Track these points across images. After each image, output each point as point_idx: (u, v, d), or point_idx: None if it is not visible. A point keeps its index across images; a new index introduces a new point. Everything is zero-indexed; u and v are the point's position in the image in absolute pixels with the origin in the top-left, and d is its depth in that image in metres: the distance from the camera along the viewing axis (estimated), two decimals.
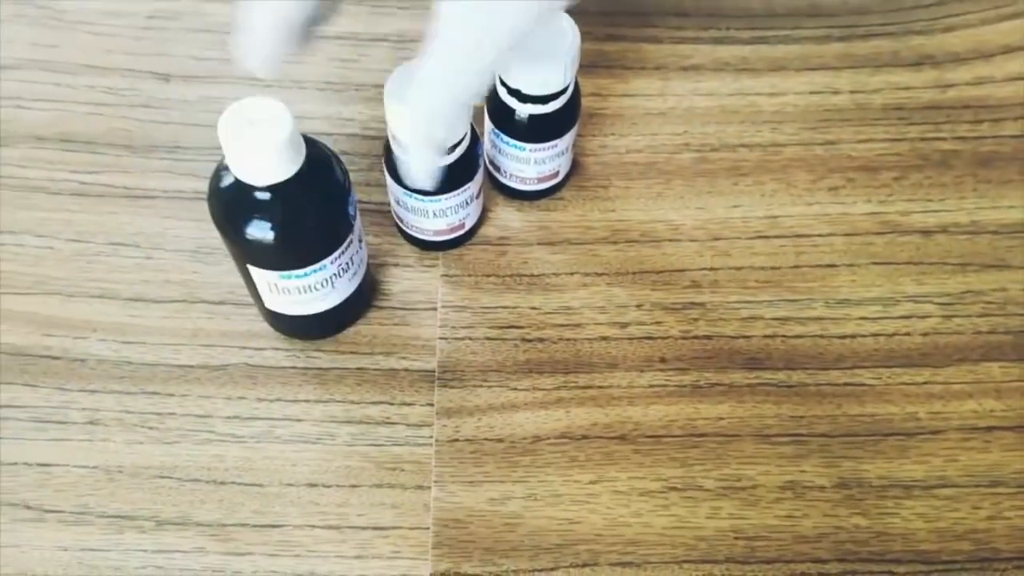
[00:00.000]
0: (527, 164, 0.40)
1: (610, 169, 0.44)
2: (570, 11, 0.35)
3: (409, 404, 0.38)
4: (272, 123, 0.30)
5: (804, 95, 0.46)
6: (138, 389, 0.38)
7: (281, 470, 0.36)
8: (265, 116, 0.30)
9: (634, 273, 0.41)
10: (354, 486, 0.36)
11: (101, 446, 0.37)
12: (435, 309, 0.40)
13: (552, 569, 0.35)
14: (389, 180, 0.38)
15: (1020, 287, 0.41)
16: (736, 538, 0.35)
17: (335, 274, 0.35)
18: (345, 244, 0.35)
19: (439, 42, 0.29)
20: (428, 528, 0.35)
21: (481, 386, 0.38)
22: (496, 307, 0.40)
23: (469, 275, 0.41)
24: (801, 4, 0.50)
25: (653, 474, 0.36)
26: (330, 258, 0.34)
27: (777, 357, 0.39)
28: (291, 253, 0.33)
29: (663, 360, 0.39)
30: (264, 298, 0.36)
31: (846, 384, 0.38)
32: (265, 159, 0.30)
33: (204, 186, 0.33)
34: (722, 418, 0.38)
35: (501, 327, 0.39)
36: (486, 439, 0.37)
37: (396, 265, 0.41)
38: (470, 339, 0.39)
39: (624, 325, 0.40)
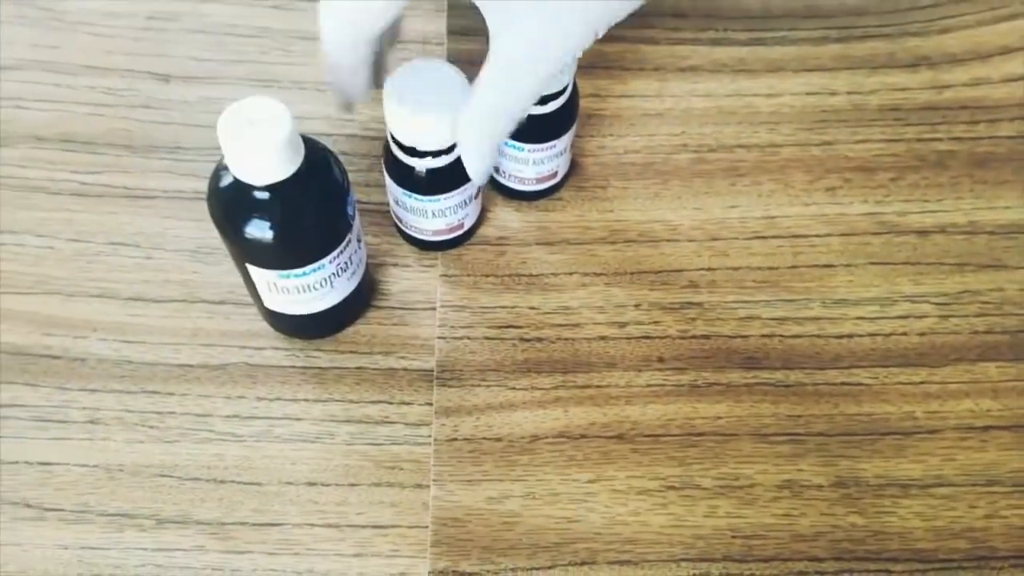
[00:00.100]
0: (526, 164, 0.40)
1: (608, 170, 0.44)
2: None
3: (408, 403, 0.38)
4: (271, 123, 0.30)
5: (801, 96, 0.46)
6: (138, 388, 0.38)
7: (280, 469, 0.36)
8: (264, 116, 0.30)
9: (632, 273, 0.41)
10: (353, 485, 0.36)
11: (101, 445, 0.37)
12: (434, 309, 0.40)
13: (550, 567, 0.35)
14: (388, 180, 0.38)
15: (1017, 287, 0.41)
16: (733, 537, 0.35)
17: (334, 273, 0.35)
18: (344, 244, 0.35)
19: (497, 71, 0.29)
20: (427, 527, 0.35)
21: (480, 385, 0.38)
22: (495, 307, 0.40)
23: (468, 275, 0.41)
24: (798, 5, 0.50)
25: (651, 473, 0.37)
26: (329, 257, 0.34)
27: (775, 357, 0.39)
28: (290, 252, 0.33)
29: (661, 360, 0.39)
30: (263, 298, 0.36)
31: (843, 384, 0.39)
32: (264, 159, 0.30)
33: (204, 186, 0.33)
34: (720, 417, 0.38)
35: (500, 327, 0.40)
36: (484, 438, 0.37)
37: (395, 265, 0.41)
38: (469, 339, 0.39)
39: (622, 325, 0.40)
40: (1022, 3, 0.50)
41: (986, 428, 0.38)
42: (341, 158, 0.35)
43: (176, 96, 0.46)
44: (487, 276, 0.41)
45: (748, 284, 0.41)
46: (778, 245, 0.42)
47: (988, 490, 0.36)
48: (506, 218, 0.43)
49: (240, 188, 0.31)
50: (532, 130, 0.39)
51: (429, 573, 0.34)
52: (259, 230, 0.32)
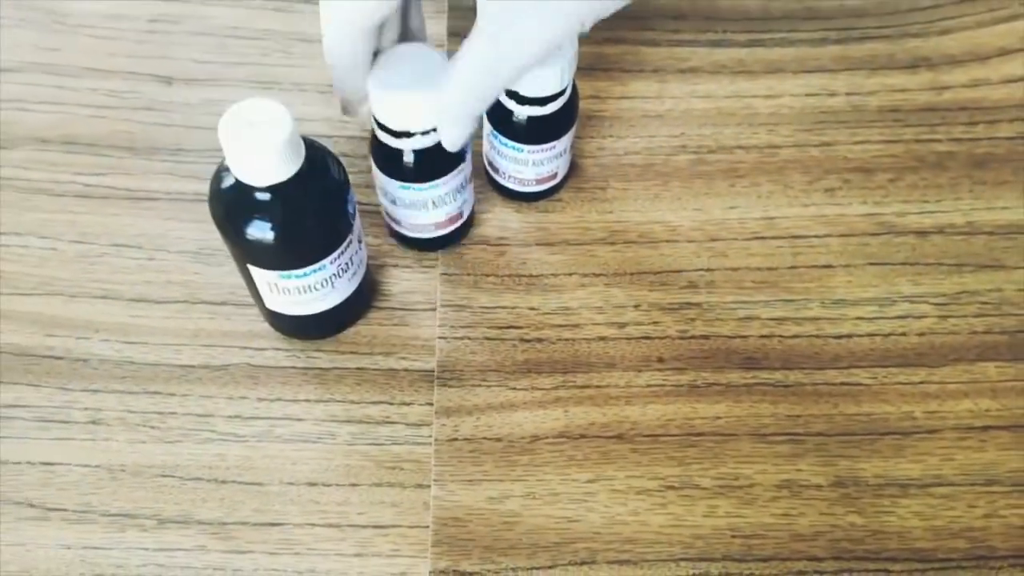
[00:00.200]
0: (525, 166, 0.40)
1: (608, 171, 0.44)
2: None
3: (408, 404, 0.38)
4: (272, 124, 0.30)
5: (800, 97, 0.47)
6: (140, 389, 0.38)
7: (282, 469, 0.37)
8: (265, 118, 0.30)
9: (632, 274, 0.41)
10: (354, 485, 0.36)
11: (104, 445, 0.37)
12: (434, 309, 0.40)
13: (550, 567, 0.35)
14: (382, 179, 0.38)
15: (1015, 287, 0.41)
16: (733, 536, 0.35)
17: (335, 274, 0.35)
18: (344, 244, 0.35)
19: (481, 40, 0.30)
20: (427, 526, 0.36)
21: (480, 386, 0.38)
22: (495, 307, 0.40)
23: (468, 275, 0.41)
24: (797, 7, 0.50)
25: (650, 473, 0.37)
26: (330, 258, 0.35)
27: (774, 357, 0.39)
28: (291, 253, 0.34)
29: (661, 360, 0.39)
30: (265, 298, 0.36)
31: (842, 384, 0.39)
32: (265, 160, 0.30)
33: (205, 188, 0.33)
34: (719, 417, 0.38)
35: (500, 327, 0.40)
36: (485, 438, 0.37)
37: (395, 266, 0.42)
38: (469, 339, 0.39)
39: (622, 325, 0.40)
40: (1021, 4, 0.50)
41: (985, 428, 0.38)
42: (341, 159, 0.35)
43: (178, 98, 0.46)
44: (487, 276, 0.41)
45: (747, 285, 0.41)
46: (777, 246, 0.42)
47: (987, 490, 0.37)
48: (506, 219, 0.43)
49: (241, 189, 0.31)
50: (532, 131, 0.39)
51: (430, 573, 0.35)
52: (260, 231, 0.32)
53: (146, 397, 0.38)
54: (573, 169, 0.44)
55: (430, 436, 0.37)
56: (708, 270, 0.41)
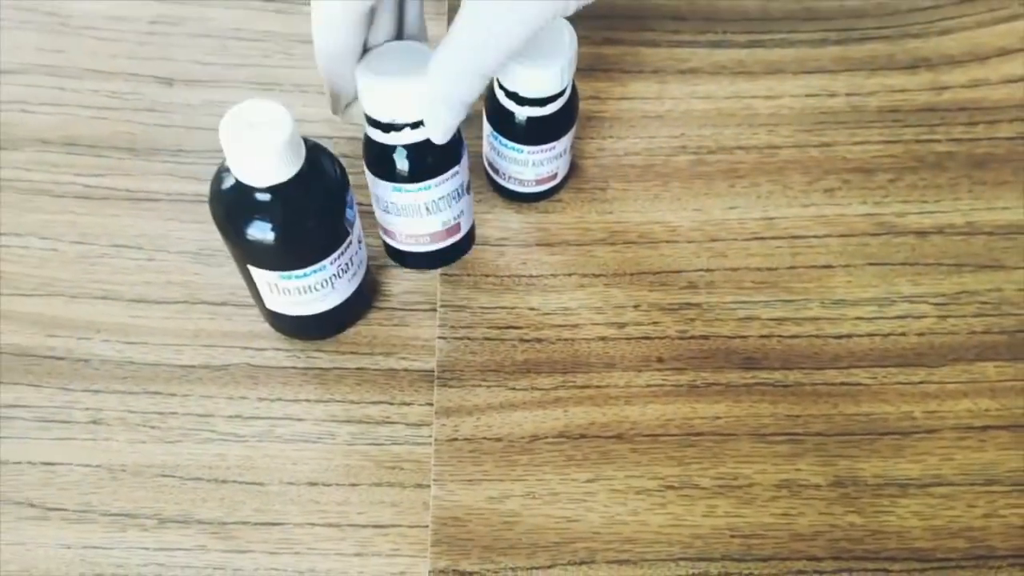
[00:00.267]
0: (525, 166, 0.41)
1: (608, 171, 0.44)
2: (567, 15, 0.35)
3: (408, 404, 0.38)
4: (272, 125, 0.30)
5: (800, 98, 0.47)
6: (141, 389, 0.38)
7: (282, 469, 0.37)
8: (265, 119, 0.30)
9: (631, 274, 0.41)
10: (354, 485, 0.36)
11: (104, 445, 0.37)
12: (434, 310, 0.40)
13: (550, 567, 0.35)
14: (375, 184, 0.37)
15: (1015, 287, 0.41)
16: (732, 536, 0.36)
17: (335, 275, 0.36)
18: (344, 245, 0.35)
19: (466, 19, 0.30)
20: (427, 526, 0.36)
21: (480, 386, 0.38)
22: (495, 307, 0.40)
23: (468, 275, 0.41)
24: (797, 8, 0.50)
25: (650, 473, 0.37)
26: (330, 259, 0.35)
27: (773, 357, 0.39)
28: (291, 253, 0.34)
29: (660, 360, 0.39)
30: (265, 299, 0.36)
31: (842, 384, 0.39)
32: (265, 161, 0.30)
33: (206, 189, 0.33)
34: (719, 417, 0.38)
35: (500, 327, 0.40)
36: (485, 438, 0.37)
37: (396, 266, 0.42)
38: (469, 339, 0.40)
39: (622, 325, 0.40)
40: (1021, 5, 0.50)
41: (984, 428, 0.38)
42: (342, 160, 0.35)
43: (179, 99, 0.46)
44: (487, 277, 0.41)
45: (747, 285, 0.41)
46: (777, 246, 0.42)
47: (986, 489, 0.37)
48: (506, 219, 0.43)
49: (242, 190, 0.32)
50: (532, 132, 0.39)
51: (429, 572, 0.35)
52: (260, 232, 0.32)
53: (146, 397, 0.38)
54: (573, 170, 0.44)
55: (430, 436, 0.37)
56: (708, 270, 0.41)
